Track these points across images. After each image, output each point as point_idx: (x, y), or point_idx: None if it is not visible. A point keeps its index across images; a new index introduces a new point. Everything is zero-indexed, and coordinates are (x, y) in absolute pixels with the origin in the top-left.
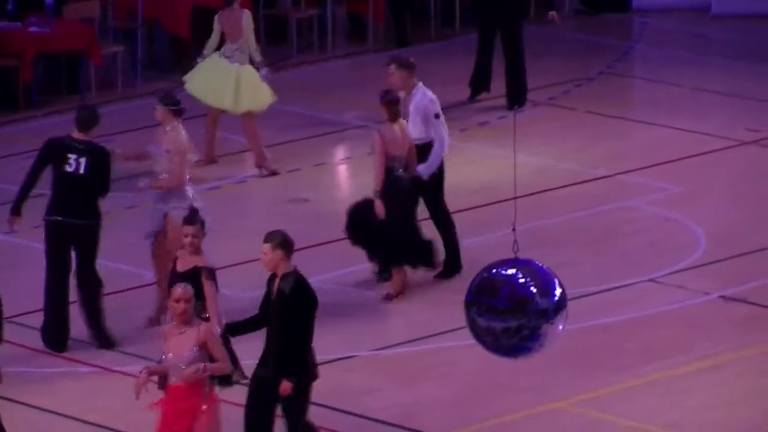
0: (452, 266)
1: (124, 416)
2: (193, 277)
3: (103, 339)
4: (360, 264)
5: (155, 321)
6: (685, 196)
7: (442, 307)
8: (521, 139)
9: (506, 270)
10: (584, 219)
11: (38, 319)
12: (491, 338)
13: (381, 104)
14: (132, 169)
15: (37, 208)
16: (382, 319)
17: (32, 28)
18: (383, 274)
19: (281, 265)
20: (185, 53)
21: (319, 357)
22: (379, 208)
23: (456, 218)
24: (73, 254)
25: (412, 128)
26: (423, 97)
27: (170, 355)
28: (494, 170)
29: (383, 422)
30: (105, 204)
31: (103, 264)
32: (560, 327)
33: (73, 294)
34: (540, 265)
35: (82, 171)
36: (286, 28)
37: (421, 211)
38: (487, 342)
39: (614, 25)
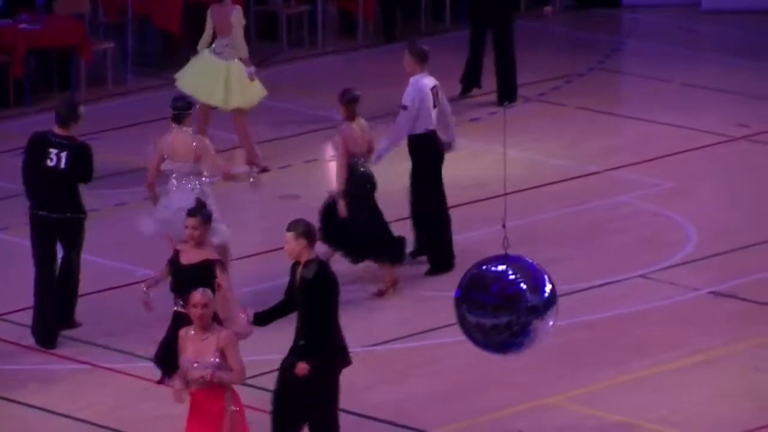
0: (444, 263)
1: (113, 413)
2: (202, 269)
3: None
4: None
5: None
6: (676, 192)
7: (432, 304)
8: (512, 135)
9: (496, 266)
10: (574, 215)
11: (28, 317)
12: (481, 334)
13: (339, 103)
14: (124, 164)
15: (26, 205)
16: (372, 315)
17: (23, 25)
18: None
19: (304, 253)
20: (176, 49)
21: None
22: (342, 207)
23: None
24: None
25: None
26: (407, 88)
27: (193, 362)
28: (484, 166)
29: (375, 419)
30: (94, 202)
31: (91, 260)
32: (550, 323)
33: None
34: (530, 261)
35: (62, 166)
36: (276, 24)
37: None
38: (478, 338)
39: (604, 20)
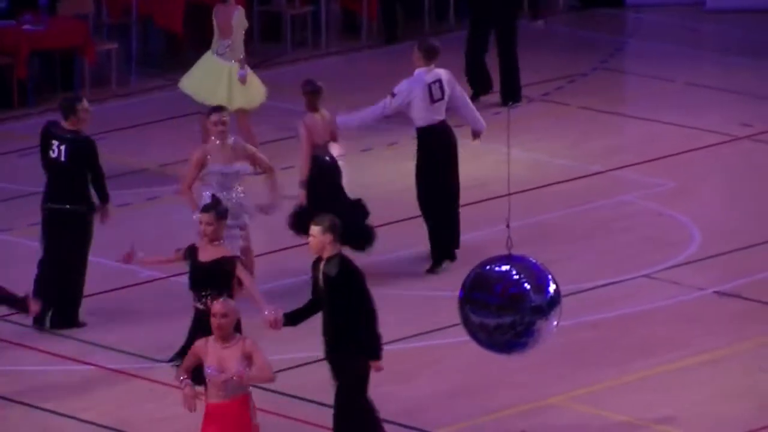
0: (446, 250)
1: (117, 413)
2: (220, 266)
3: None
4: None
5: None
6: (679, 192)
7: (435, 304)
8: (515, 135)
9: (500, 266)
10: (578, 215)
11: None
12: (485, 334)
13: (302, 94)
14: (127, 165)
15: (31, 206)
16: None
17: (26, 26)
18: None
19: (327, 248)
20: (179, 50)
21: (313, 355)
22: (302, 196)
23: None
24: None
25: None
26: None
27: (216, 371)
28: (488, 166)
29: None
30: (96, 201)
31: (96, 261)
32: (554, 323)
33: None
34: (534, 261)
35: (63, 158)
36: (280, 24)
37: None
38: (481, 338)
39: (607, 20)
